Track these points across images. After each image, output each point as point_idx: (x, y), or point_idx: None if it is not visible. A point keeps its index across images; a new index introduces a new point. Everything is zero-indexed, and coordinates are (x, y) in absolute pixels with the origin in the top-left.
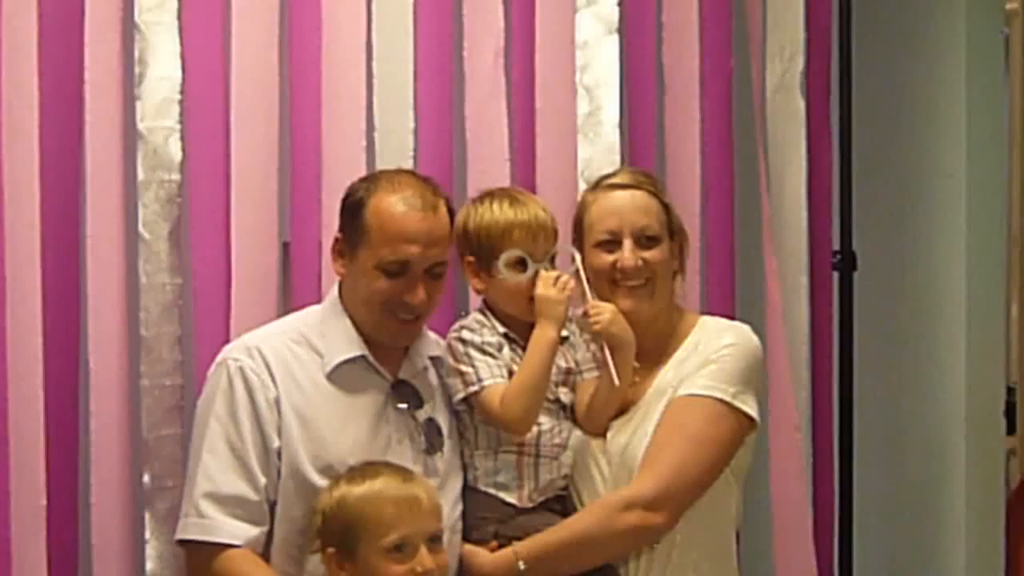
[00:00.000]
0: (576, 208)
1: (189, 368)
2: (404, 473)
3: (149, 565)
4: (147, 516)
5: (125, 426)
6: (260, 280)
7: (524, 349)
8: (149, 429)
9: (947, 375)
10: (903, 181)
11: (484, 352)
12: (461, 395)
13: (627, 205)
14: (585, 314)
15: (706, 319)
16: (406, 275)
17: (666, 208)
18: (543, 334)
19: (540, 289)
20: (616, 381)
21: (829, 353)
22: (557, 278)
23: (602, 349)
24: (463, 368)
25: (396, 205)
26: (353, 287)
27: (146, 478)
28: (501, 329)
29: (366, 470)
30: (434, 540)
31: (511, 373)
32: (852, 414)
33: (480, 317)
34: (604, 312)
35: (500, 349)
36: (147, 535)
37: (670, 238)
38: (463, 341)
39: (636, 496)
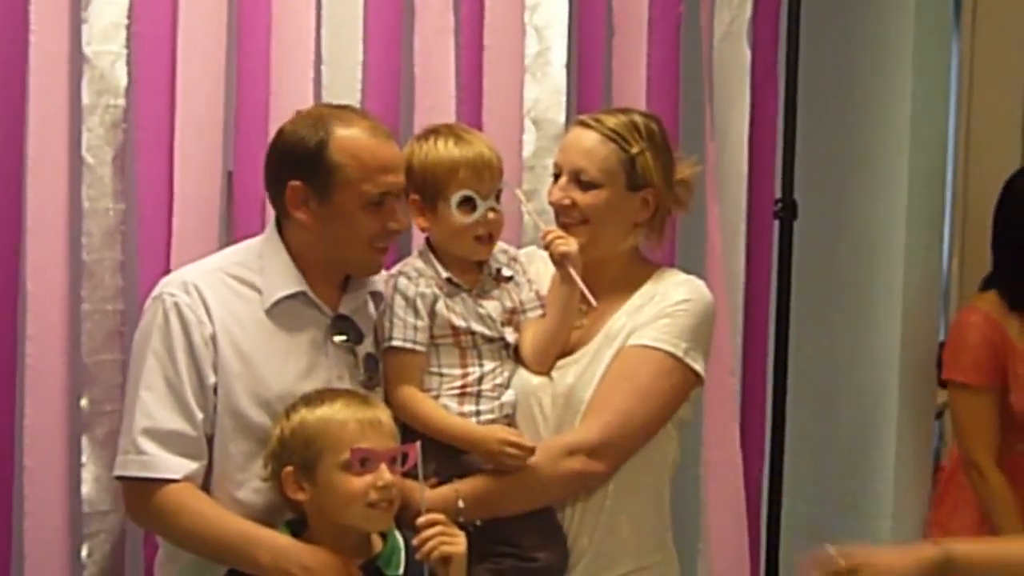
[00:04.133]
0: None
1: (131, 294)
2: (363, 397)
3: (85, 489)
4: (84, 440)
5: (64, 350)
6: (203, 208)
7: (468, 293)
8: (89, 354)
9: (883, 326)
10: (847, 131)
11: (408, 308)
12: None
13: (574, 144)
14: (548, 244)
15: (664, 270)
16: (387, 202)
17: (631, 159)
18: (572, 296)
19: (563, 246)
20: (593, 302)
21: (765, 301)
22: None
23: (568, 272)
24: (384, 320)
25: (362, 138)
26: (327, 230)
27: (84, 402)
28: (444, 274)
29: (324, 394)
30: (393, 461)
31: (433, 336)
32: (787, 362)
33: (420, 264)
34: (566, 235)
35: (433, 304)
36: (84, 459)
37: (631, 189)
38: (396, 289)
39: (580, 442)
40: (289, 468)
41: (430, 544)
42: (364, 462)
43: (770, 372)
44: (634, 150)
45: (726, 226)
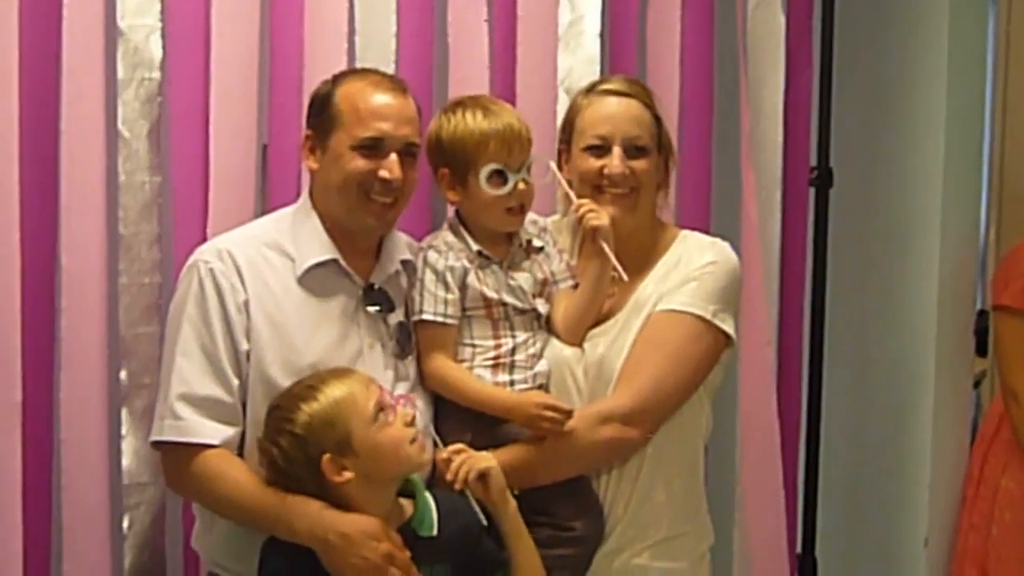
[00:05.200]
0: (567, 110)
1: (168, 267)
2: (344, 369)
3: (125, 461)
4: (124, 413)
5: (103, 324)
6: (238, 181)
7: (499, 265)
8: (127, 327)
9: (920, 294)
10: (883, 98)
11: (438, 281)
12: (413, 318)
13: (621, 113)
14: (580, 217)
15: (687, 234)
16: (380, 153)
17: (657, 121)
18: (605, 269)
19: (595, 220)
20: (624, 276)
21: (801, 270)
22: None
23: (600, 246)
24: (414, 292)
25: (365, 88)
26: (326, 178)
27: (123, 375)
28: (475, 247)
29: (314, 383)
30: (396, 403)
31: (464, 308)
32: (823, 331)
33: (450, 238)
34: (600, 208)
35: (464, 276)
36: (123, 431)
37: (658, 151)
38: (426, 262)
39: (614, 410)
40: (326, 455)
41: (463, 467)
42: (383, 408)
43: (806, 342)
44: (658, 113)
45: (761, 194)
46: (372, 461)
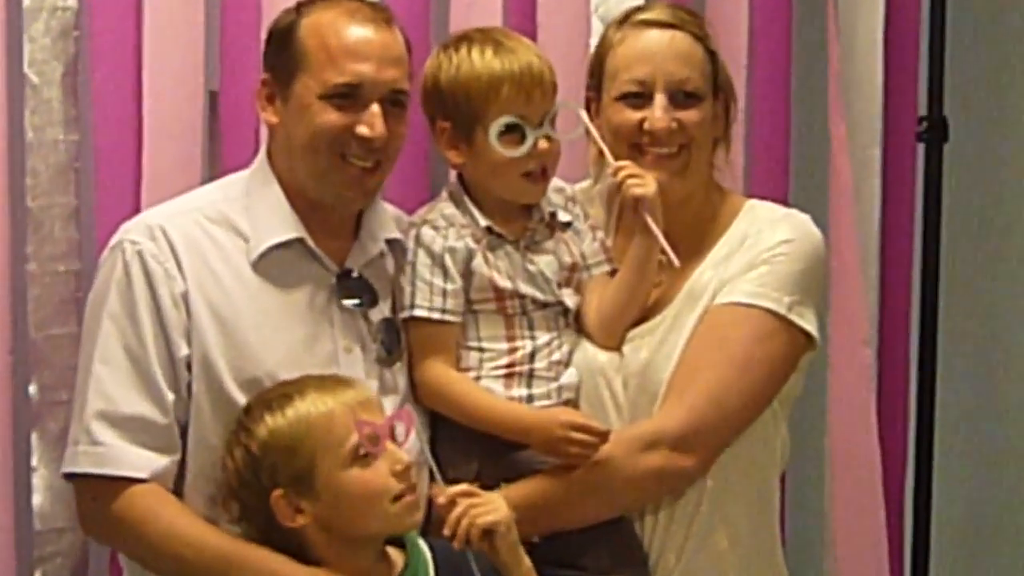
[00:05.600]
0: (596, 46)
1: (88, 250)
2: (332, 377)
3: (37, 499)
4: (34, 438)
5: (5, 324)
6: (181, 138)
7: (514, 246)
8: (37, 328)
9: None
10: (1010, 30)
11: (435, 267)
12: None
13: (664, 50)
14: (620, 183)
15: (755, 204)
16: (358, 103)
17: (712, 57)
18: (650, 251)
19: (639, 187)
20: (675, 260)
21: (907, 247)
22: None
23: (644, 221)
24: (404, 281)
25: (338, 18)
26: (289, 135)
27: (32, 390)
28: (483, 222)
29: (285, 389)
30: (394, 436)
31: (470, 300)
32: (936, 325)
33: (450, 210)
34: (644, 173)
35: (468, 260)
36: (34, 462)
37: (713, 96)
38: (419, 243)
39: (661, 432)
40: (277, 491)
41: (463, 521)
42: (365, 448)
43: (915, 339)
44: (713, 46)
45: (856, 152)
46: (335, 511)
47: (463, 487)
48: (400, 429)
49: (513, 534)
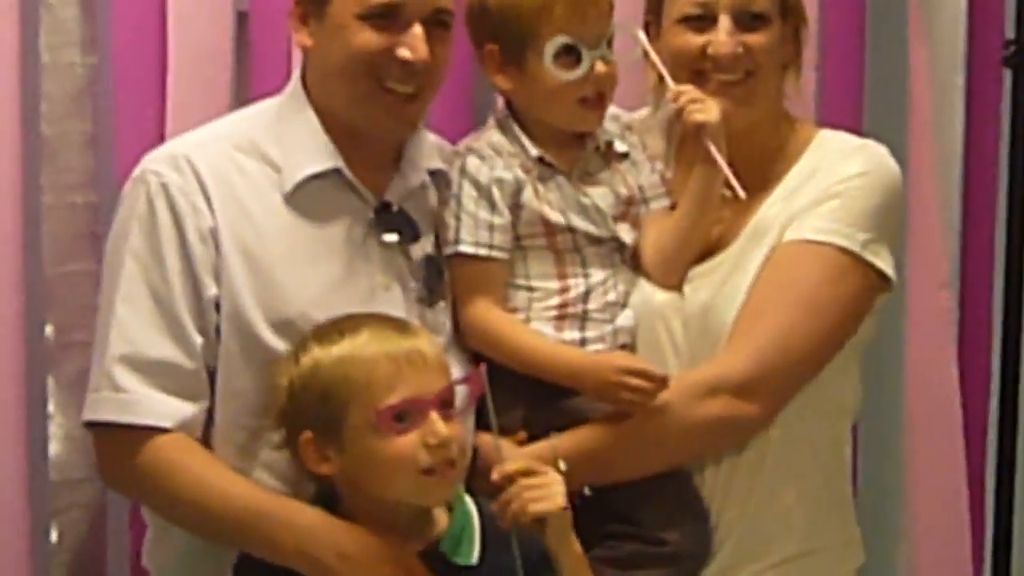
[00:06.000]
0: None
1: (107, 181)
2: (396, 322)
3: (53, 447)
4: (50, 382)
5: (18, 260)
6: (207, 62)
7: (566, 177)
8: (53, 264)
9: None
10: None
11: (482, 199)
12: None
13: None
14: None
15: (827, 134)
16: (399, 23)
17: None
18: (713, 181)
19: (701, 114)
20: (741, 192)
21: (992, 182)
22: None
23: (708, 150)
24: (447, 215)
25: None
26: (324, 58)
27: (48, 330)
28: (534, 151)
29: (342, 324)
30: (446, 404)
31: (519, 236)
32: (1022, 266)
33: (497, 139)
34: (706, 98)
35: (517, 192)
36: (50, 408)
37: (782, 18)
38: (464, 173)
39: (723, 377)
40: (307, 433)
41: (514, 505)
42: (404, 416)
43: (999, 282)
44: None
45: (936, 79)
46: (359, 471)
47: (522, 464)
48: (461, 393)
49: (567, 522)
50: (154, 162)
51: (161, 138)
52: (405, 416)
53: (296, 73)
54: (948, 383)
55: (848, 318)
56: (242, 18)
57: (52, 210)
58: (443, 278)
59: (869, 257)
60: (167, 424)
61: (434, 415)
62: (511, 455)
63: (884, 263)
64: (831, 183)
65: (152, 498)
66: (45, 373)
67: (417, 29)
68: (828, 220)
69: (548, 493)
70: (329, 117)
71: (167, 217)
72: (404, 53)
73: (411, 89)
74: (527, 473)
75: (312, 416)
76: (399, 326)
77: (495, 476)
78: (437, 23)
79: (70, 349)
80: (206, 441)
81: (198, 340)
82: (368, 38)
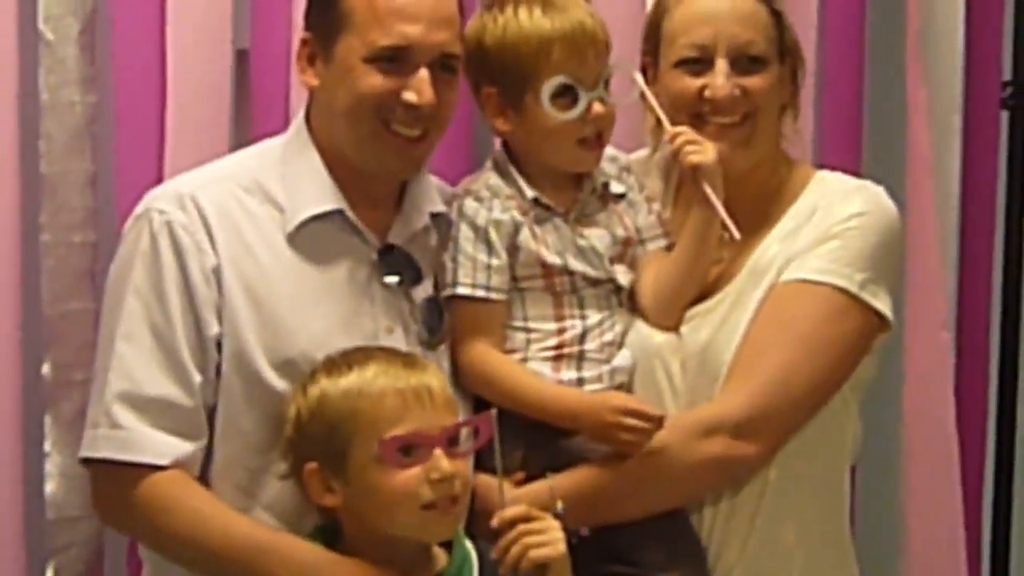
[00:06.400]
0: (651, 10)
1: (107, 220)
2: (405, 357)
3: (50, 486)
4: (48, 420)
5: (16, 299)
6: (206, 100)
7: (564, 219)
8: (51, 302)
9: None
10: None
11: (479, 241)
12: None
13: (724, 11)
14: (676, 151)
15: (825, 175)
16: (406, 67)
17: (778, 18)
18: (710, 223)
19: (697, 155)
20: (736, 233)
21: (990, 222)
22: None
23: (703, 192)
24: (446, 259)
25: None
26: (330, 100)
27: (46, 369)
28: (530, 193)
29: (352, 356)
30: (452, 442)
31: (516, 278)
32: (1020, 306)
33: (494, 181)
34: (703, 140)
35: (514, 234)
36: (47, 447)
37: (780, 60)
38: (462, 215)
39: (721, 417)
40: (312, 464)
41: (514, 550)
42: (410, 449)
43: (996, 322)
44: (778, 6)
45: (935, 120)
46: (362, 503)
47: (520, 509)
48: (465, 435)
49: (567, 569)
50: (158, 199)
51: (160, 177)
52: (410, 450)
53: (301, 113)
54: (946, 423)
55: (846, 358)
56: (242, 56)
57: (51, 248)
58: (444, 320)
59: (867, 297)
60: (165, 462)
61: (438, 451)
62: (511, 499)
63: (882, 304)
64: (830, 224)
65: (149, 535)
66: (42, 411)
67: (423, 73)
68: (827, 260)
69: (548, 539)
70: (333, 157)
71: (170, 255)
72: (410, 97)
73: (417, 132)
74: (527, 519)
75: (318, 447)
76: (408, 361)
77: (495, 522)
78: (443, 67)
79: (68, 388)
80: (204, 480)
81: (197, 378)
82: (374, 81)
